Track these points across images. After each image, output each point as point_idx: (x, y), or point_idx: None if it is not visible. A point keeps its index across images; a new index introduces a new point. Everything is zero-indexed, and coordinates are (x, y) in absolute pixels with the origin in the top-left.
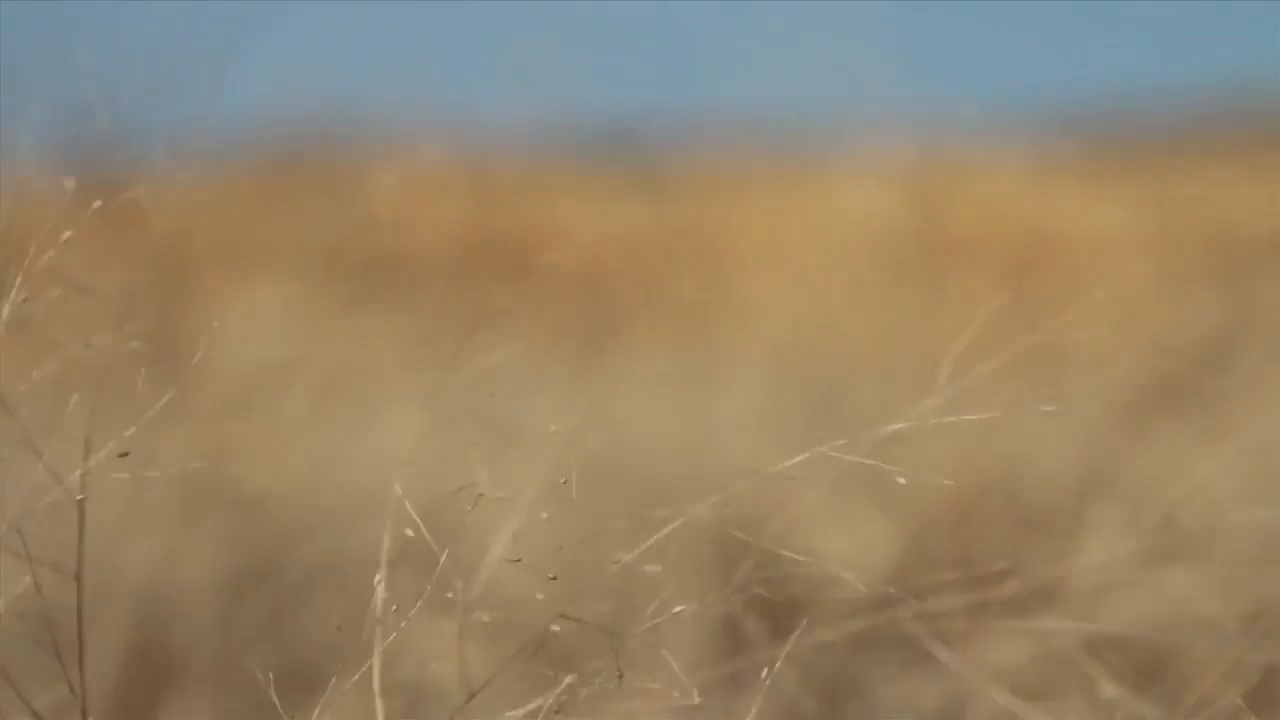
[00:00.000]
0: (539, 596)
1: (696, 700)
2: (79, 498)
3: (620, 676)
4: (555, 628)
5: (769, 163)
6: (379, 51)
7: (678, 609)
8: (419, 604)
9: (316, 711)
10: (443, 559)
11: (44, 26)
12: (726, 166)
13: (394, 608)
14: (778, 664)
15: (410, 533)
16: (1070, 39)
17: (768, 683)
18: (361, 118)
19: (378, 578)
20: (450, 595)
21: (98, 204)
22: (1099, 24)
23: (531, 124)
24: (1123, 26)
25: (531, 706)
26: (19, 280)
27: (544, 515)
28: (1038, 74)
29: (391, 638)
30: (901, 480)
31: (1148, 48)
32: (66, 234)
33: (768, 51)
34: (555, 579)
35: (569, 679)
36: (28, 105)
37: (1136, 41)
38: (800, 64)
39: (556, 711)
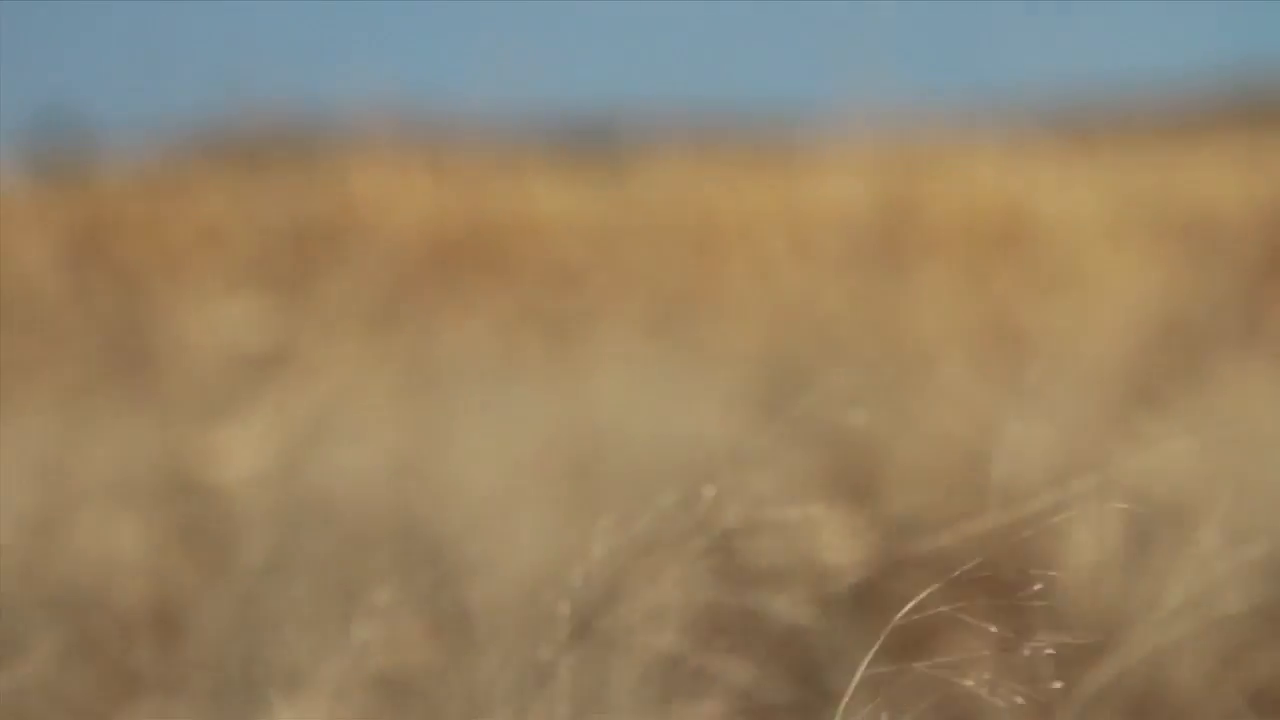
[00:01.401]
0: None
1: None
2: None
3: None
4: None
5: (746, 151)
6: (347, 43)
7: (658, 600)
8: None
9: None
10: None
11: (19, 24)
12: (705, 156)
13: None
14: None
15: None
16: (1045, 28)
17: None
18: (329, 108)
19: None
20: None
21: (59, 201)
22: (1075, 13)
23: (507, 114)
24: (1097, 15)
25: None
26: None
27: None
28: (1013, 63)
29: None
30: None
31: (1123, 36)
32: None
33: (744, 43)
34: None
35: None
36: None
37: (1111, 30)
38: (777, 56)
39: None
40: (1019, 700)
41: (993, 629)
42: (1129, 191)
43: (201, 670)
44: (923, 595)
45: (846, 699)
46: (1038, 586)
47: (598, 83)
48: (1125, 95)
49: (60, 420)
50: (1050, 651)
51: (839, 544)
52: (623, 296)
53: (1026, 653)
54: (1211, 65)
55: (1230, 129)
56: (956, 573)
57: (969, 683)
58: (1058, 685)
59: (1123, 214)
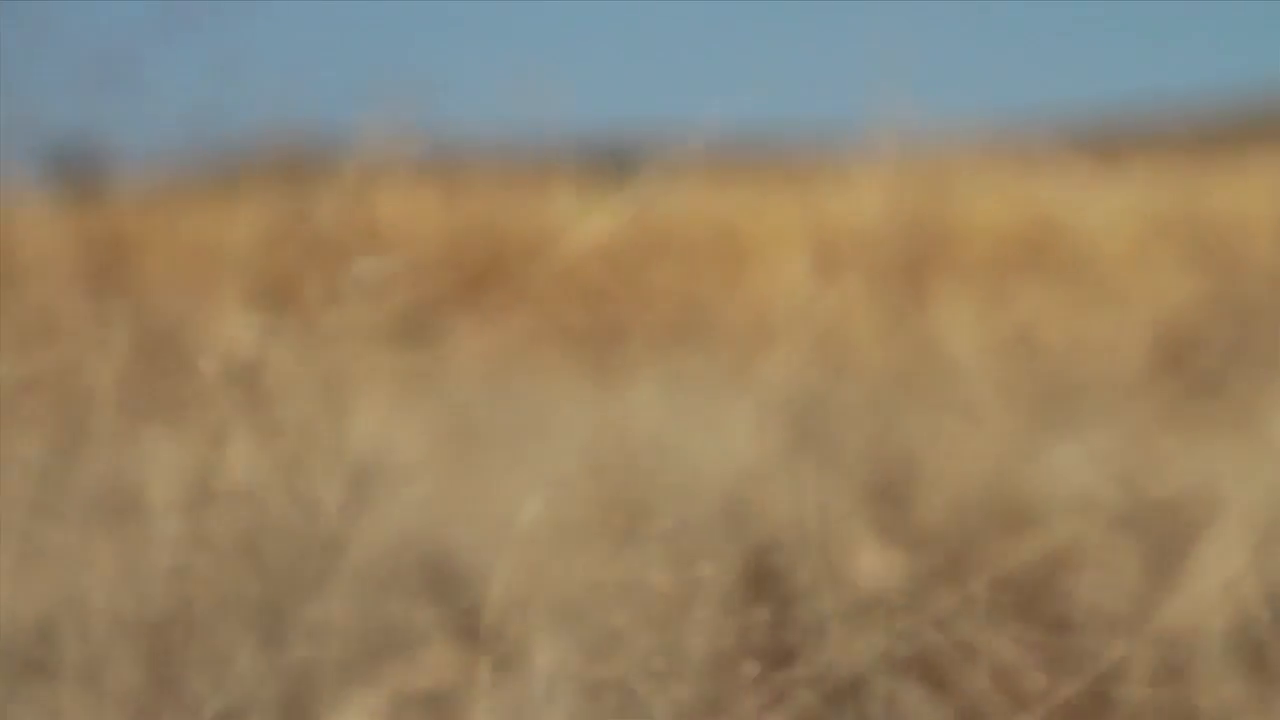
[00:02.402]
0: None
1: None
2: None
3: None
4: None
5: (772, 171)
6: (367, 65)
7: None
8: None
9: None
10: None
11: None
12: (729, 175)
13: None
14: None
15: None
16: (1072, 47)
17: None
18: (349, 130)
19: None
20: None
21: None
22: (1094, 33)
23: (531, 134)
24: (1119, 34)
25: None
26: None
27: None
28: (1039, 82)
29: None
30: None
31: (1150, 55)
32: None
33: (772, 64)
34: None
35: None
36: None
37: (1138, 48)
38: (804, 76)
39: None
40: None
41: (1019, 647)
42: (1156, 208)
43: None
44: (951, 612)
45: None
46: (1066, 605)
47: (623, 103)
48: (1151, 113)
49: (72, 438)
50: (1074, 670)
51: (871, 563)
52: (646, 314)
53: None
54: (1236, 82)
55: (1255, 145)
56: (986, 591)
57: (996, 701)
58: (1080, 704)
59: (1150, 230)
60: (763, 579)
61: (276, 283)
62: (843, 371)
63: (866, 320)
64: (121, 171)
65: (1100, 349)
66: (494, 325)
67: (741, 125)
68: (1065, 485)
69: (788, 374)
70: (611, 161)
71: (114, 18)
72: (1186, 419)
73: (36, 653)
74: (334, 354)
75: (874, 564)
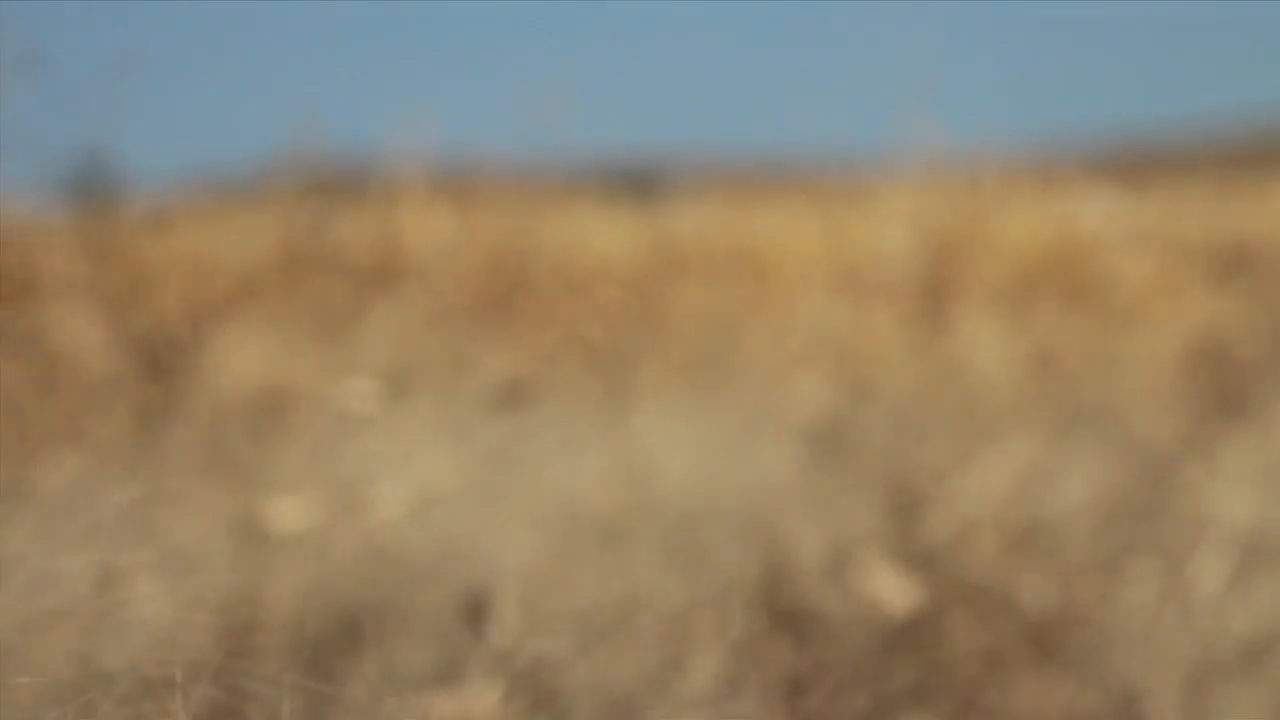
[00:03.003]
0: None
1: None
2: None
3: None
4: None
5: (794, 194)
6: (392, 90)
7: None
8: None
9: None
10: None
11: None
12: (752, 197)
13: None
14: None
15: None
16: (1091, 71)
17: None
18: (375, 154)
19: None
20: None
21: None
22: (1119, 57)
23: (556, 156)
24: (1144, 58)
25: None
26: None
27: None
28: (1062, 104)
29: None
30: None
31: (1170, 79)
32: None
33: (796, 88)
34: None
35: None
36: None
37: (1158, 72)
38: (829, 100)
39: None
40: None
41: (1039, 674)
42: (1182, 230)
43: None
44: (971, 637)
45: None
46: (1084, 632)
47: (647, 125)
48: (1177, 135)
49: (103, 471)
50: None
51: (891, 587)
52: (668, 335)
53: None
54: (1261, 106)
55: (1274, 168)
56: (1005, 616)
57: None
58: None
59: (1175, 252)
60: (780, 603)
61: (300, 305)
62: (865, 393)
63: (890, 342)
64: (138, 189)
65: (1125, 370)
66: (516, 345)
67: (766, 148)
68: (1082, 509)
69: (810, 396)
70: (634, 184)
71: (130, 32)
72: (1210, 440)
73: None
74: (362, 374)
75: (893, 588)
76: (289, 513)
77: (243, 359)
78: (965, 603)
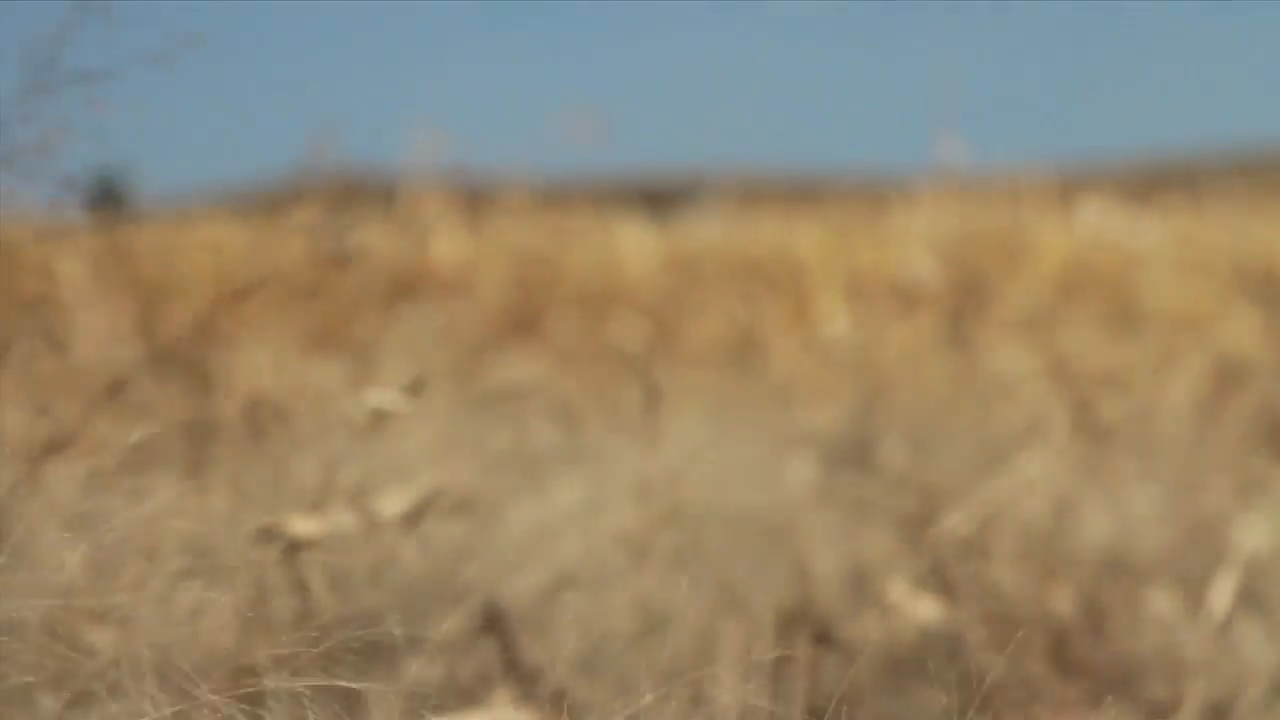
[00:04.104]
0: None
1: None
2: None
3: None
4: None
5: (822, 211)
6: (419, 105)
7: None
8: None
9: None
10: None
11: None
12: (780, 212)
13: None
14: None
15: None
16: (1114, 92)
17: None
18: (404, 167)
19: None
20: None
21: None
22: (1140, 79)
23: (587, 171)
24: (1165, 81)
25: None
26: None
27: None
28: (1086, 124)
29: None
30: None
31: (1192, 101)
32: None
33: (828, 105)
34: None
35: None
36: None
37: (1180, 95)
38: (858, 120)
39: None
40: None
41: (1064, 693)
42: (1205, 246)
43: None
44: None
45: None
46: (1112, 654)
47: (675, 143)
48: (1199, 155)
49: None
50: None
51: (914, 604)
52: (691, 351)
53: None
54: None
55: None
56: (1030, 635)
57: None
58: None
59: (1199, 268)
60: (804, 619)
61: (322, 315)
62: (889, 410)
63: (915, 359)
64: (160, 199)
65: (1149, 386)
66: (538, 357)
67: (793, 164)
68: (1109, 530)
69: (834, 411)
70: (661, 199)
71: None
72: (1243, 463)
73: None
74: (396, 384)
75: (916, 605)
76: (305, 520)
77: (261, 367)
78: (989, 621)
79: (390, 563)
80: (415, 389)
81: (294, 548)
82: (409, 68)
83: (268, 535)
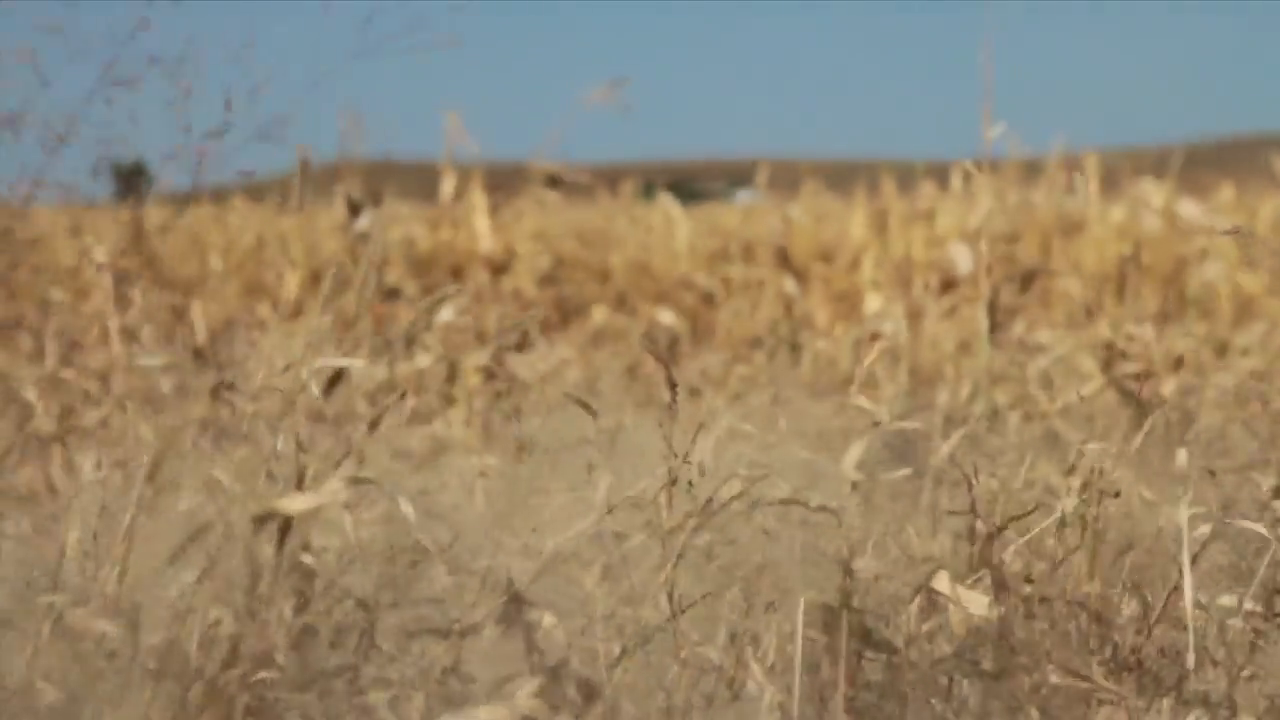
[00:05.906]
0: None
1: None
2: None
3: None
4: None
5: (862, 194)
6: (452, 95)
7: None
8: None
9: None
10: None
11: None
12: (815, 203)
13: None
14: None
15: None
16: (1161, 83)
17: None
18: (438, 155)
19: None
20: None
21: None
22: (1188, 70)
23: (619, 160)
24: (1212, 71)
25: None
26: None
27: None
28: (1134, 113)
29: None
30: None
31: (1237, 91)
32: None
33: (870, 93)
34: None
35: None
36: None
37: (1224, 85)
38: (895, 111)
39: None
40: None
41: (1121, 694)
42: (1252, 233)
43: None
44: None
45: None
46: (1164, 661)
47: (716, 132)
48: (1243, 142)
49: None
50: None
51: (964, 603)
52: (730, 340)
53: None
54: None
55: None
56: (1085, 635)
57: None
58: None
59: (1246, 256)
60: (848, 617)
61: (356, 301)
62: (934, 401)
63: (961, 351)
64: (193, 187)
65: (1194, 375)
66: (573, 345)
67: (836, 152)
68: (1165, 529)
69: (873, 401)
70: (701, 188)
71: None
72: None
73: None
74: (428, 364)
75: (966, 604)
76: (324, 507)
77: (288, 355)
78: (1042, 621)
79: (409, 547)
80: (440, 376)
81: (304, 531)
82: (439, 55)
83: (274, 518)
